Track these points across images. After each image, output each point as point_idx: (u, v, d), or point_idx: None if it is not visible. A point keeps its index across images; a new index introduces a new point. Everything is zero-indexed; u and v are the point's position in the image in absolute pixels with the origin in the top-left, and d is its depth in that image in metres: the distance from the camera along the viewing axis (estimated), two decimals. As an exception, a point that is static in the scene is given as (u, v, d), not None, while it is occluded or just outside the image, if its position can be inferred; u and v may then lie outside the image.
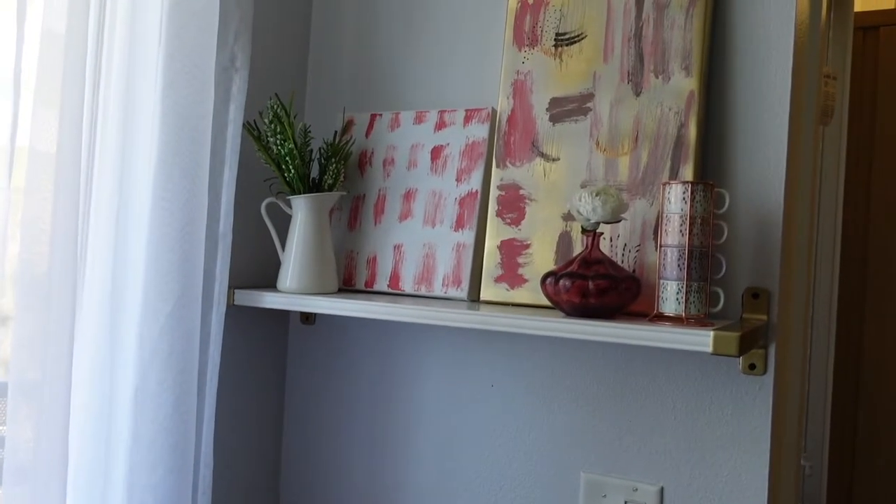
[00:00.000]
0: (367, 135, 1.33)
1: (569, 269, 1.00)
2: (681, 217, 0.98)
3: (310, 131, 1.26)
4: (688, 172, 1.07)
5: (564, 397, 1.19)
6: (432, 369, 1.30)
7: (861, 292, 2.34)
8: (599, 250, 1.03)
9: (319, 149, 1.27)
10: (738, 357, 1.00)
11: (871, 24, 2.36)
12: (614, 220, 1.02)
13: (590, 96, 1.15)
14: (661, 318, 0.98)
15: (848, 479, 2.33)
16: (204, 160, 1.14)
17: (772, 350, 1.06)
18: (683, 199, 0.98)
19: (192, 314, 1.13)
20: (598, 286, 0.98)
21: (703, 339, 0.90)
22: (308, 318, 1.41)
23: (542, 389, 1.21)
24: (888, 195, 2.32)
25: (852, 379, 2.33)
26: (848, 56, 2.19)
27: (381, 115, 1.33)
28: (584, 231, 1.04)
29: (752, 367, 1.06)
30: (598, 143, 1.13)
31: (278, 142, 1.21)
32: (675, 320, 0.97)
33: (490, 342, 1.25)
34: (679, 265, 0.97)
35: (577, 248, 1.11)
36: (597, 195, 1.01)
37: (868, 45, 2.35)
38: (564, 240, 1.13)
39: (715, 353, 0.89)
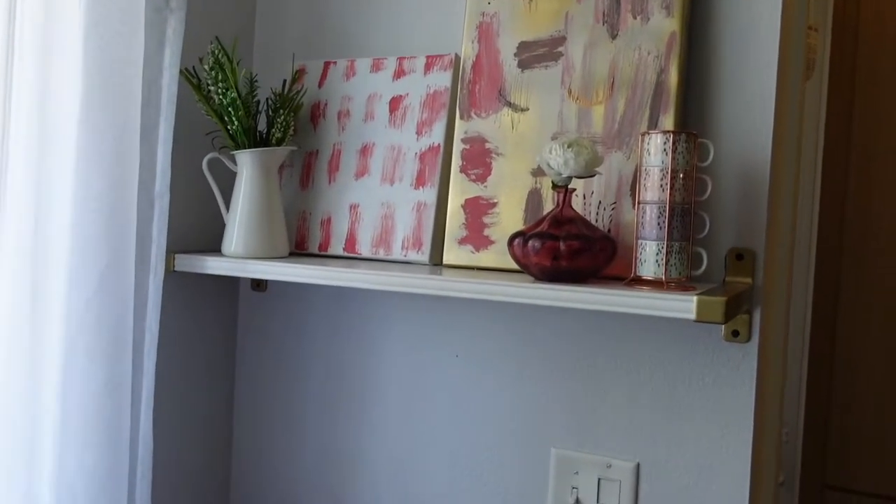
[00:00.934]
0: (319, 84, 1.23)
1: (538, 229, 0.92)
2: (661, 170, 0.90)
3: (256, 80, 1.15)
4: (668, 122, 0.98)
5: (534, 368, 1.12)
6: (392, 338, 1.22)
7: (838, 253, 2.29)
8: (571, 208, 0.95)
9: (267, 99, 1.17)
10: (723, 324, 0.93)
11: (854, -25, 2.28)
12: (588, 174, 0.94)
13: (561, 40, 1.05)
14: (638, 281, 0.91)
15: (822, 446, 2.30)
16: (134, 111, 1.03)
17: (756, 315, 0.99)
18: (664, 150, 0.89)
19: (125, 281, 1.03)
20: (569, 247, 0.90)
21: (685, 305, 0.82)
22: (259, 284, 1.32)
23: (509, 360, 1.14)
24: (868, 151, 2.25)
25: (828, 342, 2.29)
26: (829, 7, 2.11)
27: (335, 62, 1.23)
28: (554, 187, 0.95)
29: (735, 333, 0.99)
30: (570, 92, 1.04)
31: (220, 90, 1.11)
32: (655, 284, 0.89)
33: (454, 309, 1.17)
34: (659, 224, 0.89)
35: (548, 207, 1.03)
36: (569, 147, 0.92)
37: (849, -4, 2.26)
38: (534, 197, 1.04)
39: (699, 321, 0.81)
